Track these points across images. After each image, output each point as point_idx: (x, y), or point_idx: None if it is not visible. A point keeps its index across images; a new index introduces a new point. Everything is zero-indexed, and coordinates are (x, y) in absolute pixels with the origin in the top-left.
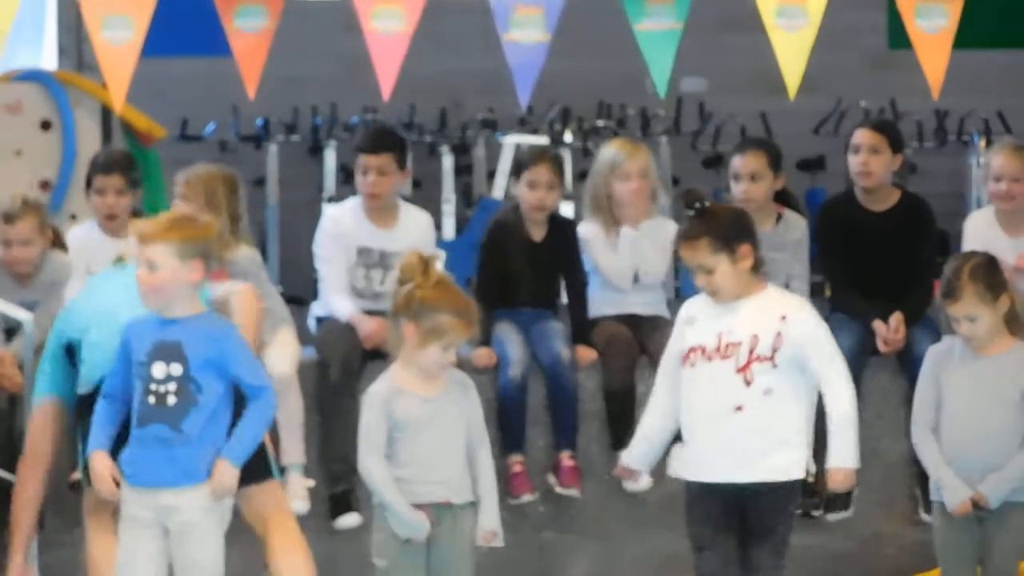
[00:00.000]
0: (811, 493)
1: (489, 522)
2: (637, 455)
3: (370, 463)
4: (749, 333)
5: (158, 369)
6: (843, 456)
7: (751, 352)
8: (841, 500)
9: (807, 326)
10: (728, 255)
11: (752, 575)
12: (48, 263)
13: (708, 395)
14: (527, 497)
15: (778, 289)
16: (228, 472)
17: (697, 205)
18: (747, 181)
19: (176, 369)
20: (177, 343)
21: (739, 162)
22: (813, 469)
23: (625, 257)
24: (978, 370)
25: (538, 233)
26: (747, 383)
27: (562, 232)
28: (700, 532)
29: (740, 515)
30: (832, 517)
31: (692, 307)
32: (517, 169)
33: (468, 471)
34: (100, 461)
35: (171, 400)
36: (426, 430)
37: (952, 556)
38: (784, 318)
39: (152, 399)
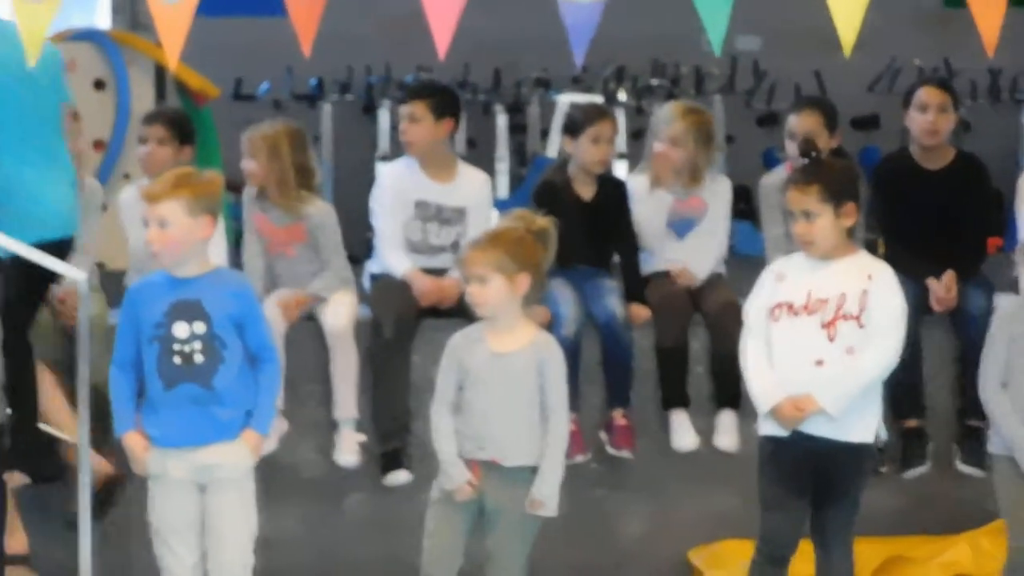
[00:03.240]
0: (879, 450)
1: (539, 491)
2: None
3: (432, 409)
4: (837, 291)
5: (180, 329)
6: (829, 397)
7: (838, 309)
8: (917, 456)
9: (886, 289)
10: (834, 208)
11: (822, 536)
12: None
13: (791, 349)
14: (580, 458)
15: (868, 254)
16: (259, 442)
17: (813, 153)
18: (803, 137)
19: (200, 327)
20: (197, 301)
21: (795, 120)
22: (884, 436)
23: (650, 217)
24: None
25: (587, 192)
26: (830, 339)
27: (612, 191)
28: (771, 491)
29: (814, 476)
30: (910, 474)
31: (783, 264)
32: (571, 127)
33: (533, 435)
34: (136, 442)
35: (198, 358)
36: (489, 385)
37: (1019, 508)
38: (871, 277)
39: (178, 359)
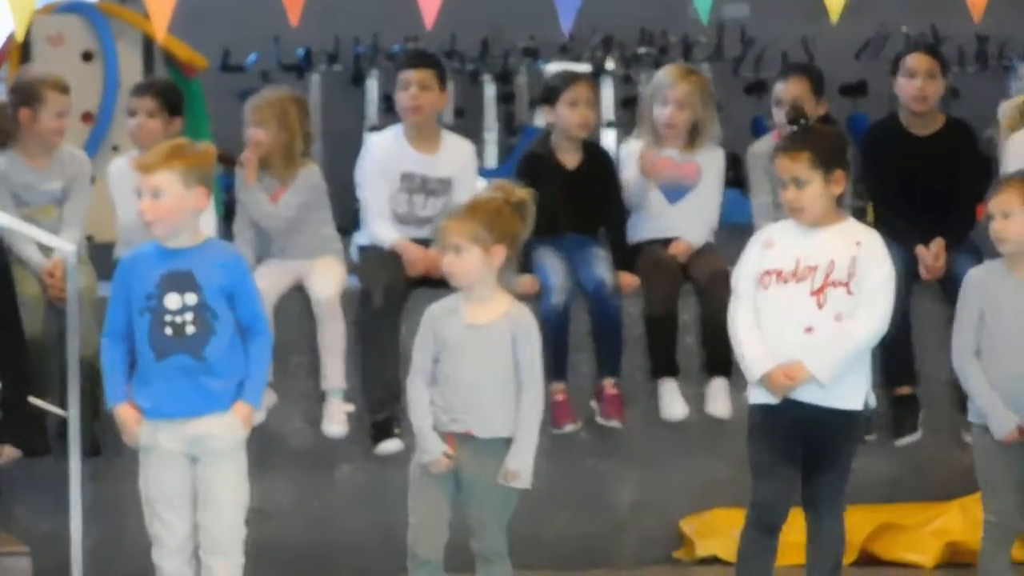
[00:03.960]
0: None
1: (513, 461)
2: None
3: (408, 381)
4: (826, 258)
5: (172, 300)
6: (819, 364)
7: (827, 276)
8: (908, 424)
9: (875, 256)
10: (824, 175)
11: (812, 503)
12: (65, 152)
13: (780, 316)
14: (570, 427)
15: (857, 221)
16: (250, 414)
17: (802, 121)
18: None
19: (191, 298)
20: (188, 272)
21: (782, 87)
22: (873, 403)
23: (638, 179)
24: (1020, 290)
25: (572, 161)
26: (819, 306)
27: (596, 158)
28: (761, 458)
29: (804, 443)
30: (901, 442)
31: (771, 231)
32: (548, 95)
33: (508, 407)
34: (127, 414)
35: (190, 329)
36: (464, 357)
37: (996, 480)
38: (859, 244)
39: (169, 330)
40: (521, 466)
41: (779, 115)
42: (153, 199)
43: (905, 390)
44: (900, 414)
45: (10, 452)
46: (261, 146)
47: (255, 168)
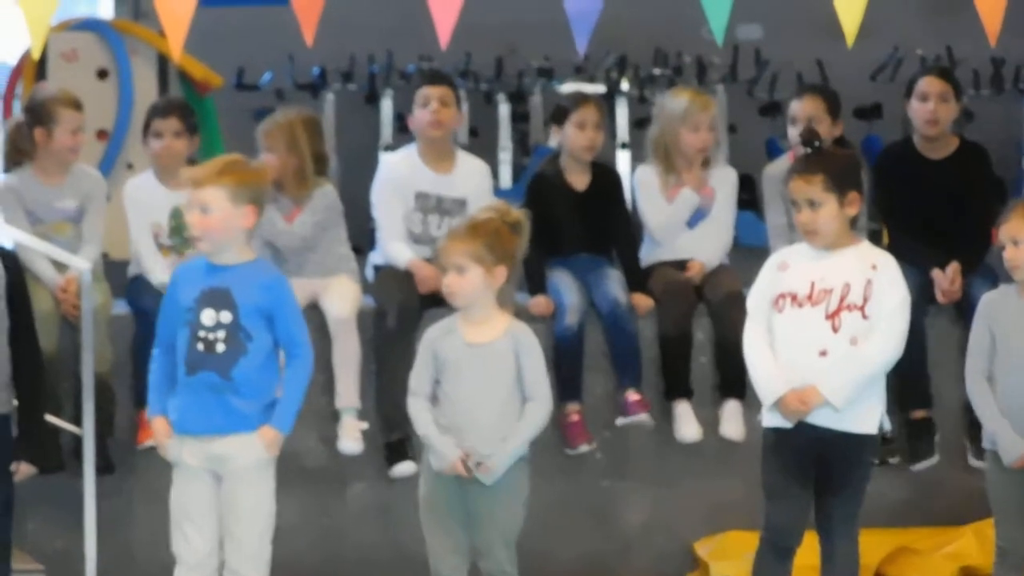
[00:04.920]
0: (886, 441)
1: (493, 455)
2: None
3: (410, 399)
4: (842, 281)
5: (207, 316)
6: (833, 388)
7: (842, 300)
8: (925, 448)
9: (890, 279)
10: (838, 197)
11: (826, 527)
12: (79, 171)
13: (794, 340)
14: (584, 447)
15: (871, 244)
16: (277, 440)
17: (816, 143)
18: (805, 125)
19: (225, 316)
20: (227, 290)
21: (797, 106)
22: (888, 426)
23: (675, 213)
24: None
25: (580, 182)
26: (834, 330)
27: (605, 180)
28: (774, 480)
29: (817, 466)
30: (918, 467)
31: (786, 253)
32: (557, 116)
33: (512, 425)
34: (160, 427)
35: (220, 347)
36: (466, 376)
37: (1006, 505)
38: (875, 267)
39: (201, 346)
40: (495, 463)
41: (793, 134)
42: (201, 214)
43: (920, 414)
44: (916, 438)
45: (26, 469)
46: (272, 171)
47: (269, 189)
